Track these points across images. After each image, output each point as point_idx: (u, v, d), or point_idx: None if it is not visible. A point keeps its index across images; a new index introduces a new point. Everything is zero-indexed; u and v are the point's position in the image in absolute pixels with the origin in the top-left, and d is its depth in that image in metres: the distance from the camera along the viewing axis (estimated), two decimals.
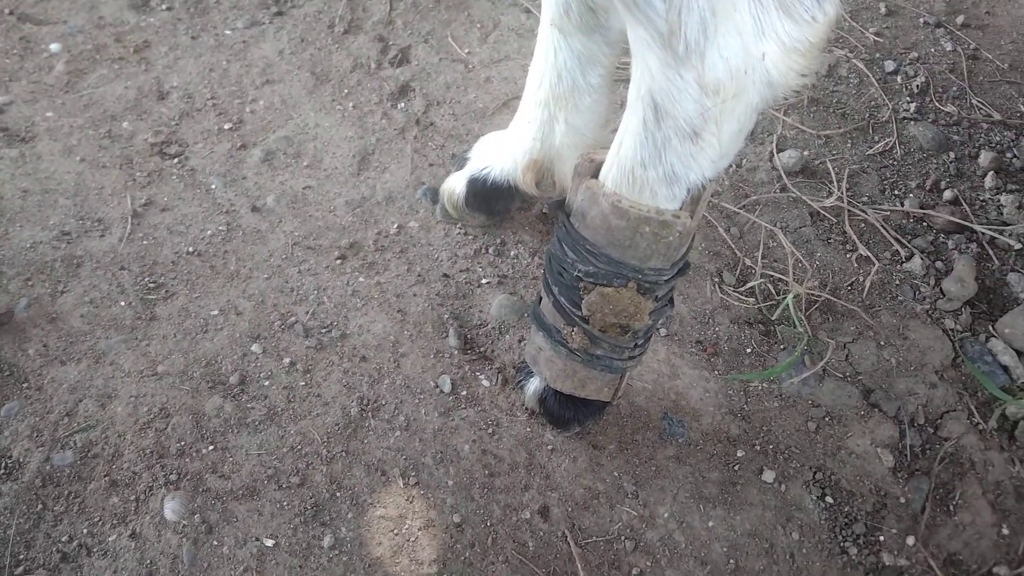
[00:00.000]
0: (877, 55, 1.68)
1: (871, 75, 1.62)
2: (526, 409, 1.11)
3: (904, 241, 1.37)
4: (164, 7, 1.63)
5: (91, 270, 1.23)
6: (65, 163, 1.36)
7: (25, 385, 1.11)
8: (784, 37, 0.73)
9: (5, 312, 1.14)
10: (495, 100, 1.53)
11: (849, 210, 1.39)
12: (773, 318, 1.26)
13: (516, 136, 1.22)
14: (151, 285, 1.22)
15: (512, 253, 1.32)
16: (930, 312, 1.29)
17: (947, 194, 1.45)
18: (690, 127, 0.77)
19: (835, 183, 1.42)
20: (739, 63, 0.73)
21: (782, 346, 1.23)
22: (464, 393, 1.14)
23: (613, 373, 0.98)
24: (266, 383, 1.13)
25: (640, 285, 0.89)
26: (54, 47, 1.54)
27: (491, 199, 1.28)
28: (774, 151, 1.46)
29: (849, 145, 1.50)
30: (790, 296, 1.24)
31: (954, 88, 1.63)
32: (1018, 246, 1.36)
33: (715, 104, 0.75)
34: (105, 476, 1.05)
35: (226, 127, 1.45)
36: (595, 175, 0.90)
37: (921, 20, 1.78)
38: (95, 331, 1.16)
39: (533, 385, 1.07)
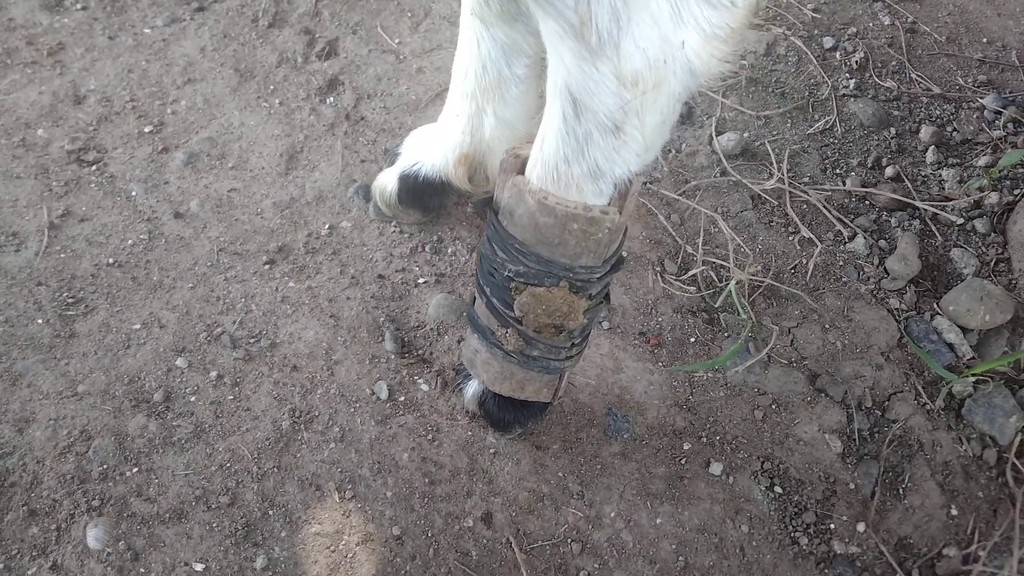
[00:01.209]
0: (815, 32, 1.66)
1: (810, 52, 1.60)
2: (466, 412, 1.08)
3: (847, 221, 1.35)
4: (79, 7, 1.55)
5: (6, 287, 1.17)
6: None
7: None
8: (704, 24, 0.70)
9: None
10: (428, 91, 1.48)
11: (790, 191, 1.37)
12: (716, 305, 1.23)
13: (446, 130, 1.18)
14: (70, 300, 1.16)
15: (449, 250, 1.28)
16: (874, 292, 1.27)
17: (889, 171, 1.43)
18: (611, 121, 0.73)
19: (775, 165, 1.40)
20: (657, 52, 0.69)
21: (726, 334, 1.21)
22: (402, 399, 1.10)
23: (551, 374, 0.95)
24: (192, 399, 1.08)
25: (572, 284, 0.86)
26: None
27: (424, 195, 1.24)
28: (713, 134, 1.43)
29: (789, 125, 1.48)
30: (732, 283, 1.22)
31: (893, 63, 1.62)
32: (960, 221, 1.36)
33: (635, 96, 0.71)
34: (23, 506, 0.99)
35: (147, 130, 1.38)
36: (521, 171, 0.86)
37: None
38: (11, 351, 1.10)
39: (472, 388, 1.03)
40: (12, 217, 1.25)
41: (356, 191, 1.33)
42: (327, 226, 1.29)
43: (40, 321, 1.14)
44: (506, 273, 0.88)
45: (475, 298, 0.97)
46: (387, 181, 1.26)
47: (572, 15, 0.66)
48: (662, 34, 0.69)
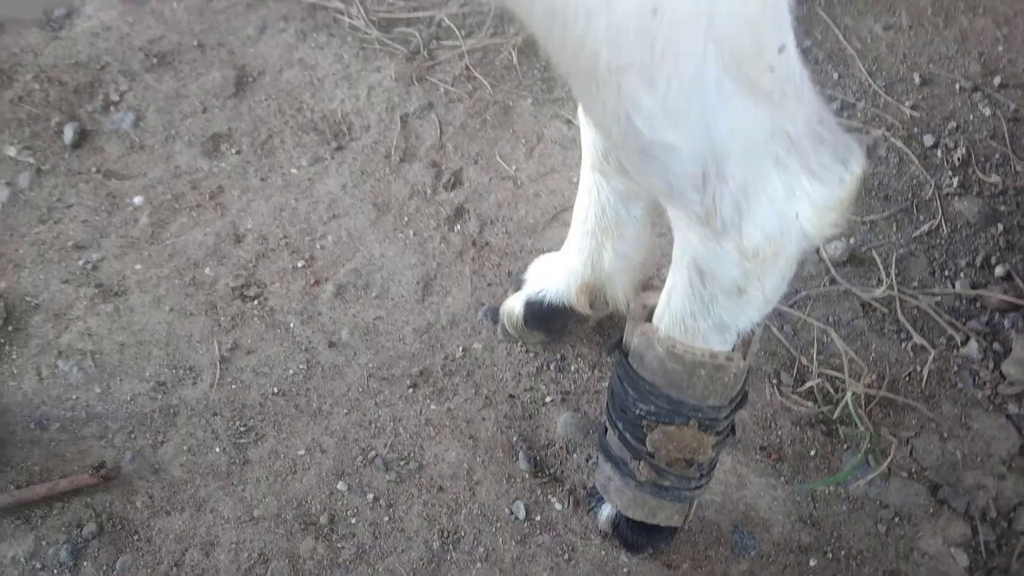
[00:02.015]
0: (915, 130, 1.71)
1: (911, 152, 1.65)
2: (600, 532, 1.16)
3: (958, 325, 1.39)
4: (234, 151, 1.76)
5: (186, 418, 1.33)
6: (156, 314, 1.48)
7: (136, 537, 1.21)
8: (815, 198, 0.78)
9: (113, 467, 1.25)
10: (545, 215, 1.61)
11: (900, 298, 1.42)
12: (834, 417, 1.29)
13: (568, 261, 1.29)
14: (242, 429, 1.32)
15: (573, 368, 1.38)
16: (992, 398, 1.30)
17: (998, 270, 1.46)
18: (734, 286, 0.82)
19: (883, 270, 1.45)
20: (774, 228, 0.78)
21: (845, 445, 1.26)
22: (538, 518, 1.20)
23: (682, 502, 1.03)
24: (353, 520, 1.21)
25: (701, 423, 0.94)
26: (137, 200, 1.68)
27: (548, 319, 1.35)
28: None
29: (895, 228, 1.53)
30: (848, 395, 1.27)
31: (996, 155, 1.65)
32: None
33: (756, 265, 0.80)
34: None
35: (299, 265, 1.56)
36: (648, 319, 0.96)
37: (957, 86, 1.81)
38: (195, 479, 1.26)
39: (606, 512, 1.12)
40: (188, 352, 1.43)
41: (485, 314, 1.46)
42: (461, 348, 1.42)
43: (217, 449, 1.30)
44: (638, 411, 0.97)
45: (607, 429, 1.06)
46: (514, 306, 1.38)
47: (699, 208, 0.76)
48: (778, 211, 0.77)
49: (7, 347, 1.44)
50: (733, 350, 0.92)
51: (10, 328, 1.47)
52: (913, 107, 1.75)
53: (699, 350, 0.91)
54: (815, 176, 0.79)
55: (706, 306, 0.87)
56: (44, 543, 1.19)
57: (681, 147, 0.70)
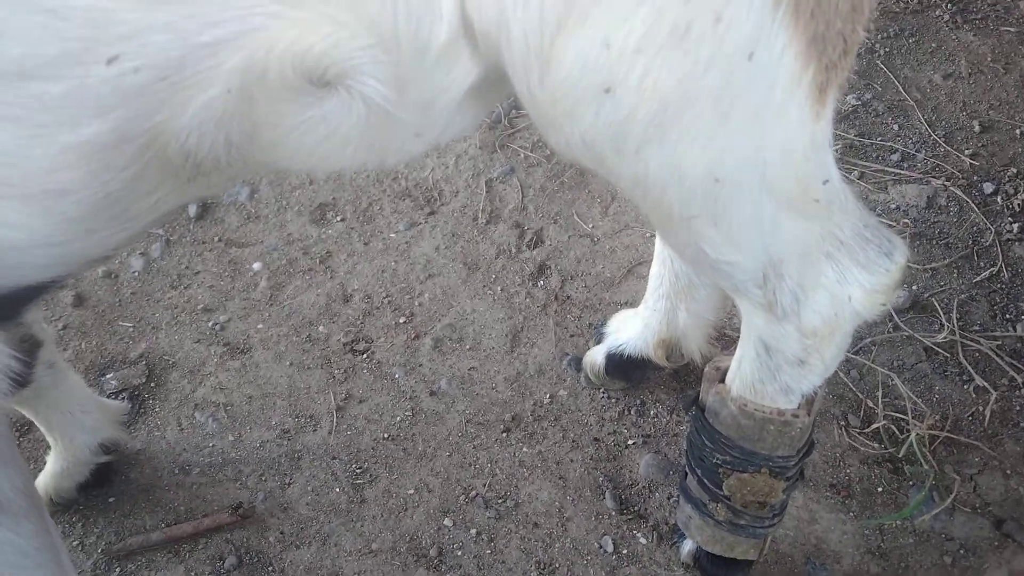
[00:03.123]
0: (975, 178, 1.79)
1: (970, 200, 1.74)
2: (682, 564, 1.28)
3: (1020, 366, 1.46)
4: (339, 219, 1.96)
5: (309, 462, 1.51)
6: (277, 368, 1.68)
7: (270, 568, 1.38)
8: (865, 284, 0.90)
9: (248, 507, 1.43)
10: (620, 269, 1.75)
11: (962, 342, 1.50)
12: (900, 456, 1.38)
13: (644, 319, 1.43)
14: (358, 471, 1.49)
15: (652, 412, 1.51)
16: None
17: None
18: (796, 358, 0.95)
19: (944, 316, 1.54)
20: (829, 311, 0.91)
21: (911, 482, 1.35)
22: (625, 552, 1.32)
23: (757, 539, 1.15)
24: (459, 553, 1.35)
25: (772, 470, 1.06)
26: (256, 266, 1.89)
27: (628, 369, 1.49)
28: None
29: (956, 275, 1.62)
30: (912, 435, 1.37)
31: None
32: None
33: (815, 342, 0.93)
34: None
35: (401, 321, 1.73)
36: (722, 380, 1.09)
37: (1017, 131, 1.89)
38: (319, 516, 1.43)
39: (687, 546, 1.24)
40: (307, 402, 1.62)
41: (569, 363, 1.60)
42: (548, 395, 1.56)
43: (337, 490, 1.47)
44: (714, 460, 1.10)
45: (687, 474, 1.18)
46: (596, 357, 1.52)
47: (762, 299, 0.89)
48: (832, 296, 0.90)
49: (150, 401, 1.65)
50: (798, 407, 1.04)
51: (152, 384, 1.68)
52: (973, 155, 1.84)
53: (768, 408, 1.03)
54: (863, 267, 0.91)
55: (772, 374, 0.99)
56: (192, 574, 1.37)
57: (743, 262, 0.84)
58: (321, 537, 1.41)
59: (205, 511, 1.46)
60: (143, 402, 1.64)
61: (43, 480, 1.43)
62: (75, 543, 1.41)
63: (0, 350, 0.69)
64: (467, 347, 1.67)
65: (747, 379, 1.01)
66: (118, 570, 1.36)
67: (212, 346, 1.73)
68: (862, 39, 0.76)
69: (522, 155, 1.99)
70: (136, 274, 1.89)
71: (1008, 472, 1.34)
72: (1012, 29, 2.12)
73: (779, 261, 0.86)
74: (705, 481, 1.13)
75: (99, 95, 0.58)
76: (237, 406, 1.62)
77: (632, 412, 1.51)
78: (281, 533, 1.42)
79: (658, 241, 1.30)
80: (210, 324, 1.77)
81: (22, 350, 1.22)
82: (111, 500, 1.46)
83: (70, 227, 0.65)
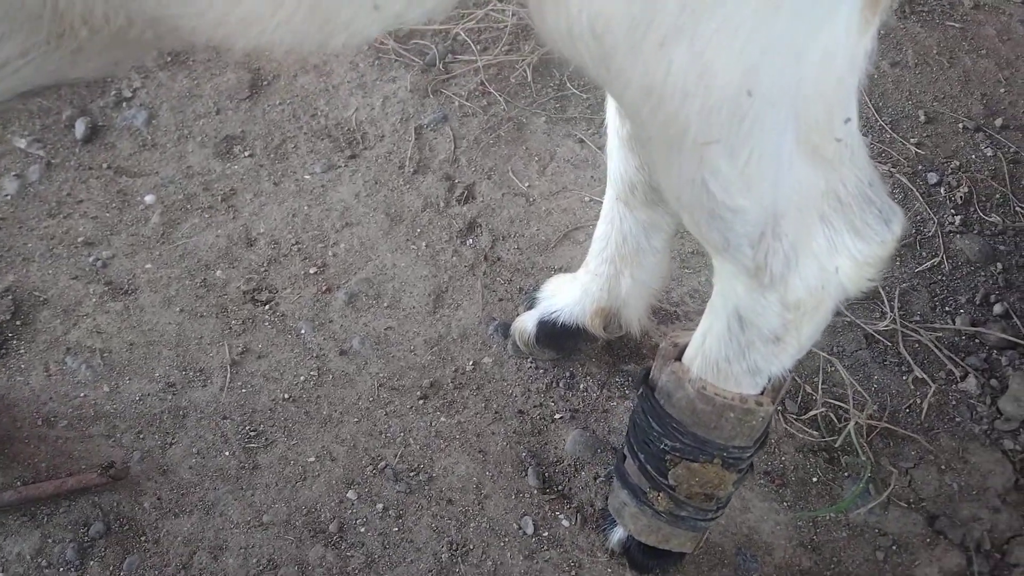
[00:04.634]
0: (919, 167, 1.75)
1: (915, 189, 1.69)
2: (607, 551, 1.18)
3: (958, 360, 1.42)
4: (247, 155, 1.77)
5: (196, 420, 1.34)
6: (166, 314, 1.49)
7: (143, 538, 1.21)
8: (856, 254, 0.81)
9: (121, 467, 1.25)
10: (556, 232, 1.63)
11: (902, 331, 1.45)
12: (836, 446, 1.31)
13: (583, 284, 1.31)
14: (252, 434, 1.32)
15: (581, 386, 1.40)
16: (988, 433, 1.33)
17: (997, 308, 1.50)
18: (773, 334, 0.85)
19: (887, 304, 1.49)
20: (816, 282, 0.81)
21: (847, 474, 1.29)
22: (546, 534, 1.21)
23: (697, 532, 1.05)
24: (362, 529, 1.21)
25: (725, 461, 0.96)
26: (149, 199, 1.68)
27: (560, 338, 1.37)
28: None
29: (899, 263, 1.57)
30: (851, 425, 1.30)
31: (997, 195, 1.69)
32: None
33: (796, 316, 0.83)
34: None
35: (311, 271, 1.56)
36: (678, 358, 0.98)
37: (960, 125, 1.85)
38: (203, 482, 1.27)
39: (617, 534, 1.14)
40: (198, 354, 1.44)
41: (496, 329, 1.48)
42: (471, 362, 1.43)
43: (227, 453, 1.30)
44: (662, 446, 0.99)
45: (625, 456, 1.08)
46: (526, 323, 1.40)
47: (750, 263, 0.78)
48: (821, 265, 0.81)
49: (15, 341, 1.44)
50: (762, 394, 0.94)
51: (18, 323, 1.46)
52: (918, 144, 1.79)
53: (730, 393, 0.93)
54: (858, 234, 0.82)
55: (742, 351, 0.89)
56: (50, 541, 1.19)
57: (749, 210, 0.73)
58: (205, 505, 1.24)
59: (70, 469, 1.27)
60: (5, 341, 1.42)
61: None
62: None
63: None
64: (384, 305, 1.52)
65: (711, 356, 0.91)
66: None
67: (91, 284, 1.52)
68: None
69: (456, 103, 1.84)
70: (8, 198, 1.65)
71: (943, 467, 1.29)
72: (957, 24, 2.09)
73: (780, 216, 0.76)
74: (648, 467, 1.02)
75: None
76: (116, 353, 1.43)
77: (560, 385, 1.40)
78: (158, 499, 1.25)
79: (607, 198, 1.18)
80: (91, 260, 1.56)
81: None
82: None
83: None
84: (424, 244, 1.61)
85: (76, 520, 1.21)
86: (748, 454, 0.97)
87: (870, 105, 1.87)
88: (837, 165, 0.76)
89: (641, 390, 1.01)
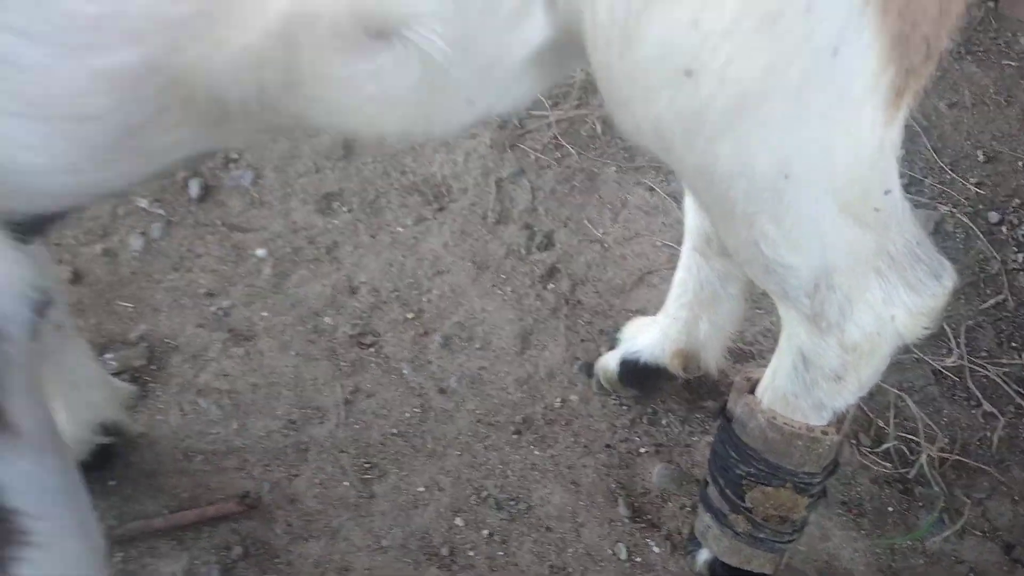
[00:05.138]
0: (980, 206, 1.83)
1: (976, 228, 1.77)
2: (696, 574, 1.28)
3: None
4: (345, 210, 1.93)
5: (316, 454, 1.48)
6: (283, 358, 1.64)
7: (277, 560, 1.35)
8: (910, 306, 0.91)
9: (255, 496, 1.40)
10: (631, 276, 1.75)
11: (970, 367, 1.53)
12: (910, 477, 1.40)
13: (663, 327, 1.43)
14: (366, 466, 1.46)
15: (664, 421, 1.51)
16: None
17: None
18: (834, 373, 0.95)
19: (953, 341, 1.57)
20: (872, 328, 0.91)
21: (921, 504, 1.37)
22: (639, 560, 1.32)
23: (774, 553, 1.15)
24: (471, 553, 1.34)
25: (796, 486, 1.06)
26: (260, 252, 1.85)
27: (642, 377, 1.48)
28: None
29: (963, 301, 1.65)
30: (923, 457, 1.38)
31: None
32: None
33: (854, 358, 0.93)
34: None
35: (409, 316, 1.71)
36: (752, 391, 1.09)
37: (1020, 163, 1.93)
38: (327, 510, 1.40)
39: (703, 556, 1.24)
40: (314, 393, 1.59)
41: (580, 368, 1.60)
42: (559, 399, 1.55)
43: (346, 483, 1.44)
44: (738, 472, 1.09)
45: (708, 483, 1.18)
46: (609, 363, 1.52)
47: (808, 310, 0.89)
48: (877, 315, 0.90)
49: (152, 385, 1.61)
50: (828, 425, 1.04)
51: (153, 367, 1.64)
52: (978, 184, 1.87)
53: (797, 423, 1.03)
54: (911, 288, 0.91)
55: (807, 388, 0.99)
56: (197, 562, 1.34)
57: (800, 266, 0.84)
58: (330, 531, 1.38)
59: (209, 499, 1.42)
60: (144, 385, 1.59)
61: None
62: None
63: (19, 276, 0.64)
64: (477, 346, 1.65)
65: (780, 391, 1.01)
66: (120, 555, 1.32)
67: (215, 332, 1.69)
68: (946, 45, 0.76)
69: (532, 156, 1.98)
70: (136, 254, 1.84)
71: (1016, 498, 1.36)
72: (1013, 63, 2.17)
73: (832, 269, 0.85)
74: (727, 492, 1.13)
75: (134, 22, 0.56)
76: (241, 394, 1.59)
77: (644, 420, 1.51)
78: (288, 525, 1.39)
79: (685, 248, 1.30)
80: (213, 309, 1.73)
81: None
82: (112, 484, 1.42)
83: (90, 155, 0.63)
84: (509, 289, 1.74)
85: (218, 544, 1.35)
86: (817, 479, 1.06)
87: (929, 147, 1.96)
88: (883, 229, 0.85)
89: (719, 421, 1.12)
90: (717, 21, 0.62)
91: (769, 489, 1.08)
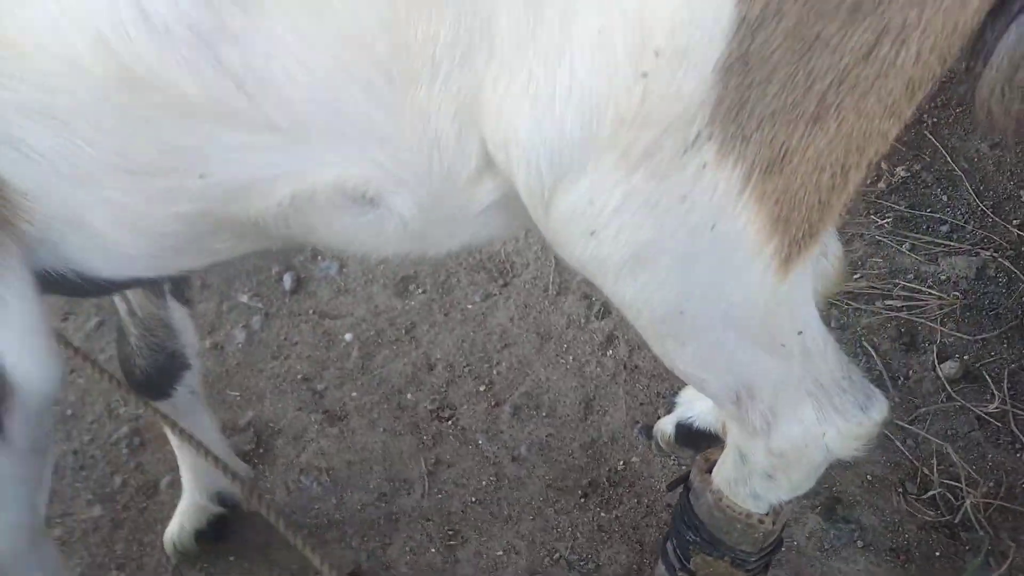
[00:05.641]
0: (1023, 249, 1.89)
1: (1018, 272, 1.83)
2: None
3: None
4: (420, 291, 2.13)
5: (406, 524, 1.67)
6: (372, 435, 1.84)
7: None
8: (841, 428, 0.96)
9: (357, 567, 1.59)
10: None
11: (1013, 412, 1.60)
12: (956, 522, 1.48)
13: None
14: (450, 532, 1.64)
15: None
16: None
17: None
18: (765, 472, 1.03)
19: (994, 385, 1.64)
20: (800, 441, 0.96)
21: (967, 548, 1.45)
22: None
23: None
24: None
25: (733, 560, 1.16)
26: (348, 337, 2.07)
27: (697, 439, 1.61)
28: (935, 361, 1.70)
29: (1006, 345, 1.71)
30: (967, 503, 1.47)
31: None
32: None
33: (782, 463, 1.00)
34: None
35: (481, 389, 1.89)
36: (708, 471, 1.19)
37: None
38: (423, 574, 1.58)
39: None
40: (400, 467, 1.78)
41: (640, 431, 1.74)
42: (622, 462, 1.70)
43: (432, 550, 1.62)
44: (687, 537, 1.19)
45: (667, 538, 1.28)
46: (666, 426, 1.65)
47: (734, 415, 0.98)
48: (805, 430, 0.96)
49: (260, 467, 1.83)
50: (766, 514, 1.10)
51: (261, 451, 1.86)
52: (1021, 226, 1.93)
53: (739, 508, 1.10)
54: (839, 413, 0.96)
55: (744, 479, 1.07)
56: None
57: (711, 380, 0.93)
58: None
59: (315, 570, 1.62)
60: (253, 467, 1.81)
61: (170, 528, 1.61)
62: None
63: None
64: (543, 415, 1.82)
65: (725, 478, 1.10)
66: None
67: (312, 413, 1.90)
68: (836, 222, 0.81)
69: None
70: (240, 345, 2.08)
71: None
72: None
73: (750, 386, 0.92)
74: (678, 551, 1.22)
75: (192, 191, 0.81)
76: (338, 470, 1.79)
77: None
78: None
79: None
80: (309, 393, 1.95)
81: (169, 364, 1.46)
82: (231, 559, 1.63)
83: (166, 251, 0.91)
84: (571, 358, 1.90)
85: None
86: (754, 558, 1.13)
87: (971, 191, 2.03)
88: (804, 359, 0.90)
89: (681, 489, 1.23)
90: (607, 203, 0.74)
91: (709, 558, 1.16)
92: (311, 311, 2.14)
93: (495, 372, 1.92)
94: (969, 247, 1.91)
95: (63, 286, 0.90)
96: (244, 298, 2.19)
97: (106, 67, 0.68)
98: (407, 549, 1.63)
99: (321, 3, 0.66)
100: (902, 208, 2.02)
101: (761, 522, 1.10)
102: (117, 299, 1.41)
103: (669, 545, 1.26)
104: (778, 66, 0.64)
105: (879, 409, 0.97)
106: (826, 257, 1.11)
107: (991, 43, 0.67)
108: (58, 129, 0.73)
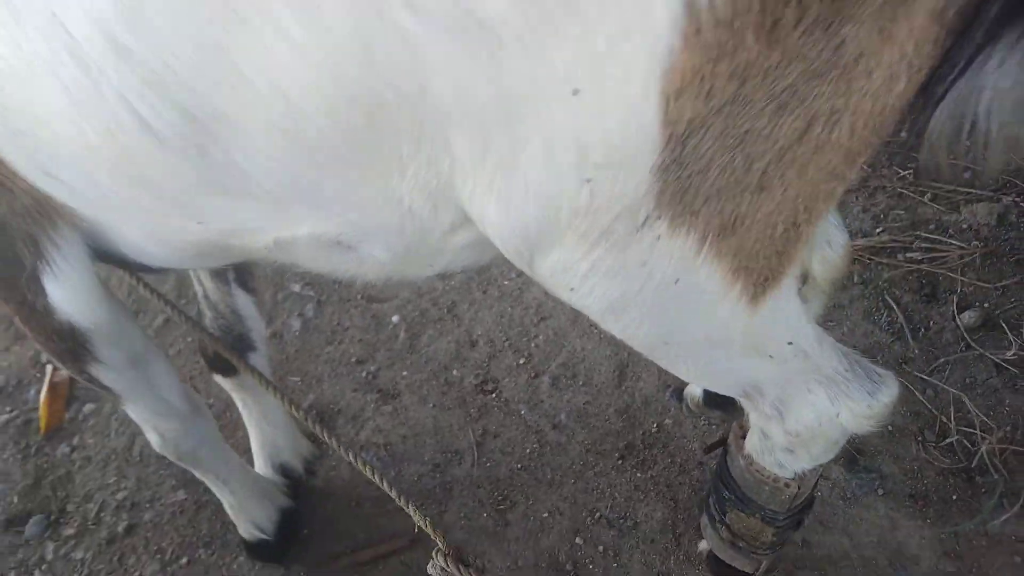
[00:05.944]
0: None
1: None
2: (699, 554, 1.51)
3: None
4: (458, 271, 2.25)
5: (459, 492, 1.82)
6: (423, 410, 1.99)
7: None
8: (853, 409, 1.01)
9: (417, 534, 1.75)
10: None
11: None
12: (972, 467, 1.56)
13: None
14: (499, 498, 1.78)
15: None
16: None
17: None
18: (785, 447, 1.10)
19: (1011, 334, 1.70)
20: (813, 423, 1.02)
21: (984, 490, 1.54)
22: None
23: (751, 561, 1.35)
24: (591, 567, 1.63)
25: (763, 518, 1.26)
26: (395, 319, 2.21)
27: (725, 401, 1.72)
28: (955, 311, 1.76)
29: None
30: (983, 448, 1.55)
31: None
32: None
33: (799, 441, 1.06)
34: None
35: (521, 362, 2.01)
36: (743, 436, 1.28)
37: None
38: (472, 538, 1.74)
39: (702, 545, 1.46)
40: (451, 439, 1.92)
41: (671, 395, 1.84)
42: (655, 425, 1.81)
43: (484, 515, 1.77)
44: (724, 494, 1.30)
45: (710, 491, 1.39)
46: (695, 389, 1.76)
47: (747, 404, 1.06)
48: (818, 412, 1.00)
49: (324, 445, 1.99)
50: (792, 478, 1.17)
51: (324, 431, 2.02)
52: None
53: (767, 472, 1.18)
54: (849, 397, 1.01)
55: (769, 451, 1.14)
56: None
57: (713, 385, 1.01)
58: (475, 553, 1.71)
59: (380, 537, 1.79)
60: (321, 445, 1.98)
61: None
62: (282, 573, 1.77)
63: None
64: (580, 383, 1.94)
65: (753, 447, 1.18)
66: None
67: (368, 394, 2.06)
68: (798, 265, 0.84)
69: None
70: (296, 333, 2.24)
71: None
72: None
73: (755, 384, 0.98)
74: (716, 505, 1.33)
75: (195, 230, 0.96)
76: (394, 445, 1.95)
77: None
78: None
79: None
80: (363, 374, 2.10)
81: (237, 345, 1.65)
82: (305, 532, 1.81)
83: (189, 258, 1.08)
84: None
85: (391, 574, 1.72)
86: (782, 517, 1.22)
87: None
88: (802, 359, 0.95)
89: (721, 450, 1.33)
90: (578, 268, 0.80)
91: (742, 515, 1.27)
92: (359, 296, 2.28)
93: (533, 345, 2.04)
94: (991, 193, 1.93)
95: (119, 261, 1.11)
96: (296, 287, 2.34)
97: (111, 150, 0.82)
98: (461, 515, 1.78)
99: (293, 125, 0.74)
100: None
101: (787, 486, 1.19)
102: (195, 283, 1.63)
103: (711, 499, 1.37)
104: (714, 158, 0.68)
105: (888, 392, 1.01)
106: (831, 247, 1.18)
107: (922, 123, 0.71)
108: (85, 179, 0.90)
